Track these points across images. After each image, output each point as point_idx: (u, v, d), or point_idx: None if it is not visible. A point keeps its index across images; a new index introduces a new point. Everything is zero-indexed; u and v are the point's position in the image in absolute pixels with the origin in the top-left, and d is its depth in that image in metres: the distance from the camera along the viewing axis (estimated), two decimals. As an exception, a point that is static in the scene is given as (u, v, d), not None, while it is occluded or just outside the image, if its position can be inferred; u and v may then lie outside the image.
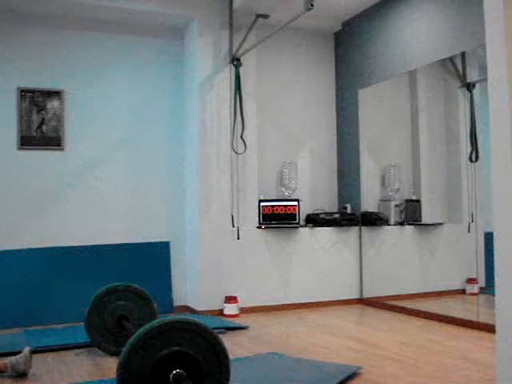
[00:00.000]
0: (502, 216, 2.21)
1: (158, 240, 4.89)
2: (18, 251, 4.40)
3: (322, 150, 5.52)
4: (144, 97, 4.93)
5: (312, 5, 3.65)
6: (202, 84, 4.75)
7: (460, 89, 4.48)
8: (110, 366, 3.09)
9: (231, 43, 4.82)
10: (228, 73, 4.82)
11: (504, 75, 2.20)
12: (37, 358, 3.25)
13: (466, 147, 4.34)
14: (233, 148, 4.74)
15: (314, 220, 5.11)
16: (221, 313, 4.61)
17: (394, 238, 5.09)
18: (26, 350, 3.04)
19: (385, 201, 5.10)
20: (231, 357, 2.27)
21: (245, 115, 4.78)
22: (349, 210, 5.27)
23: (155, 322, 2.07)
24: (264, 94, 5.24)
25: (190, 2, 4.75)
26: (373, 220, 5.10)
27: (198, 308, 4.66)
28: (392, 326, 4.11)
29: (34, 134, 4.57)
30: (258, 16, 4.76)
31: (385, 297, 4.92)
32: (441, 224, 4.76)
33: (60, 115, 4.65)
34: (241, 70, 4.77)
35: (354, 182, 5.28)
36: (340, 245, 5.12)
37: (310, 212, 5.29)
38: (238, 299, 4.64)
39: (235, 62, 4.75)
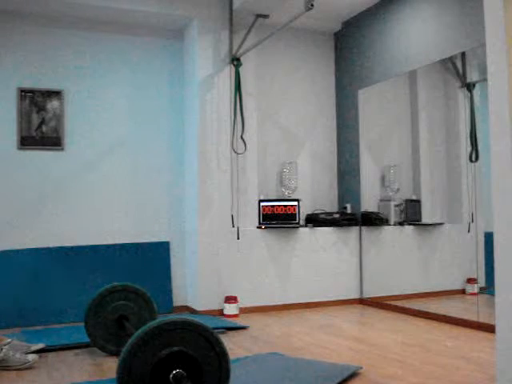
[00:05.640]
0: (502, 216, 2.21)
1: (158, 240, 4.89)
2: (18, 251, 4.40)
3: (322, 150, 5.52)
4: (144, 97, 4.94)
5: (312, 5, 3.65)
6: (202, 84, 4.75)
7: (460, 89, 4.48)
8: (110, 365, 3.09)
9: (231, 43, 4.82)
10: (228, 73, 4.82)
11: (504, 75, 2.20)
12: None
13: (466, 147, 4.34)
14: (233, 148, 4.74)
15: (314, 220, 5.11)
16: (221, 313, 4.62)
17: (393, 237, 5.09)
18: (34, 358, 3.05)
19: (385, 201, 5.10)
20: (231, 357, 2.27)
21: (245, 115, 4.78)
22: (349, 210, 5.27)
23: (155, 322, 2.07)
24: (264, 94, 5.25)
25: (189, 2, 4.75)
26: (373, 220, 5.10)
27: (198, 308, 4.66)
28: (392, 326, 4.11)
29: (34, 134, 4.57)
30: (258, 16, 4.76)
31: (385, 297, 4.92)
32: (441, 224, 4.76)
33: (60, 115, 4.65)
34: (241, 69, 4.77)
35: (354, 181, 5.29)
36: (340, 245, 5.12)
37: (310, 212, 5.29)
38: (238, 299, 4.65)
39: (235, 61, 4.75)
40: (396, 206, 5.02)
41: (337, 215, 5.12)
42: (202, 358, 2.07)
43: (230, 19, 4.82)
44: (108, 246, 4.69)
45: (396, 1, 4.80)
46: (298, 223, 4.94)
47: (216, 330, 3.75)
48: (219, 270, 4.69)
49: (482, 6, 2.34)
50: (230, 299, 4.60)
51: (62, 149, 4.66)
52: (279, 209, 4.94)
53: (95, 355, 3.32)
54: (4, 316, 4.19)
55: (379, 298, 4.97)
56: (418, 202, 4.95)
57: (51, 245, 4.53)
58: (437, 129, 4.87)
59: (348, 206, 5.31)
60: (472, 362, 3.04)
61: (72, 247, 4.57)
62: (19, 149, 4.53)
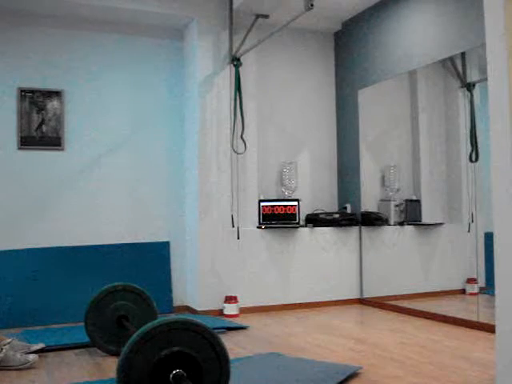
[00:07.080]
0: (502, 216, 2.21)
1: (157, 240, 4.89)
2: (18, 251, 4.40)
3: (322, 150, 5.52)
4: (144, 97, 4.94)
5: (312, 5, 3.65)
6: (202, 84, 4.75)
7: (460, 89, 4.48)
8: (110, 365, 3.09)
9: (231, 43, 4.82)
10: (228, 73, 4.82)
11: (504, 75, 2.20)
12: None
13: (466, 147, 4.34)
14: (233, 148, 4.74)
15: (313, 220, 5.11)
16: (221, 313, 4.62)
17: (393, 237, 5.09)
18: (34, 358, 3.04)
19: (385, 201, 5.10)
20: (231, 357, 2.27)
21: (245, 115, 4.78)
22: (349, 210, 5.27)
23: (155, 322, 2.07)
24: (264, 94, 5.25)
25: (189, 2, 4.75)
26: (373, 220, 5.10)
27: (198, 308, 4.66)
28: (392, 326, 4.11)
29: (34, 134, 4.57)
30: (258, 16, 4.76)
31: (385, 297, 4.92)
32: (441, 224, 4.76)
33: (60, 115, 4.65)
34: (241, 69, 4.77)
35: (354, 181, 5.29)
36: (340, 245, 5.12)
37: (310, 212, 5.29)
38: (238, 299, 4.65)
39: (235, 61, 4.74)
40: (396, 206, 5.02)
41: (337, 215, 5.12)
42: (202, 358, 2.07)
43: (230, 19, 4.82)
44: (108, 246, 4.68)
45: (396, 1, 4.80)
46: (298, 223, 4.94)
47: (216, 330, 3.75)
48: (219, 270, 4.69)
49: (482, 6, 2.34)
50: (230, 299, 4.60)
51: (62, 149, 4.65)
52: (279, 209, 4.94)
53: (95, 355, 3.32)
54: (4, 316, 4.20)
55: (379, 297, 4.97)
56: (417, 201, 4.95)
57: (51, 245, 4.53)
58: (437, 129, 4.87)
59: (348, 206, 5.31)
60: (472, 362, 3.04)
61: (72, 247, 4.57)
62: (19, 149, 4.53)
